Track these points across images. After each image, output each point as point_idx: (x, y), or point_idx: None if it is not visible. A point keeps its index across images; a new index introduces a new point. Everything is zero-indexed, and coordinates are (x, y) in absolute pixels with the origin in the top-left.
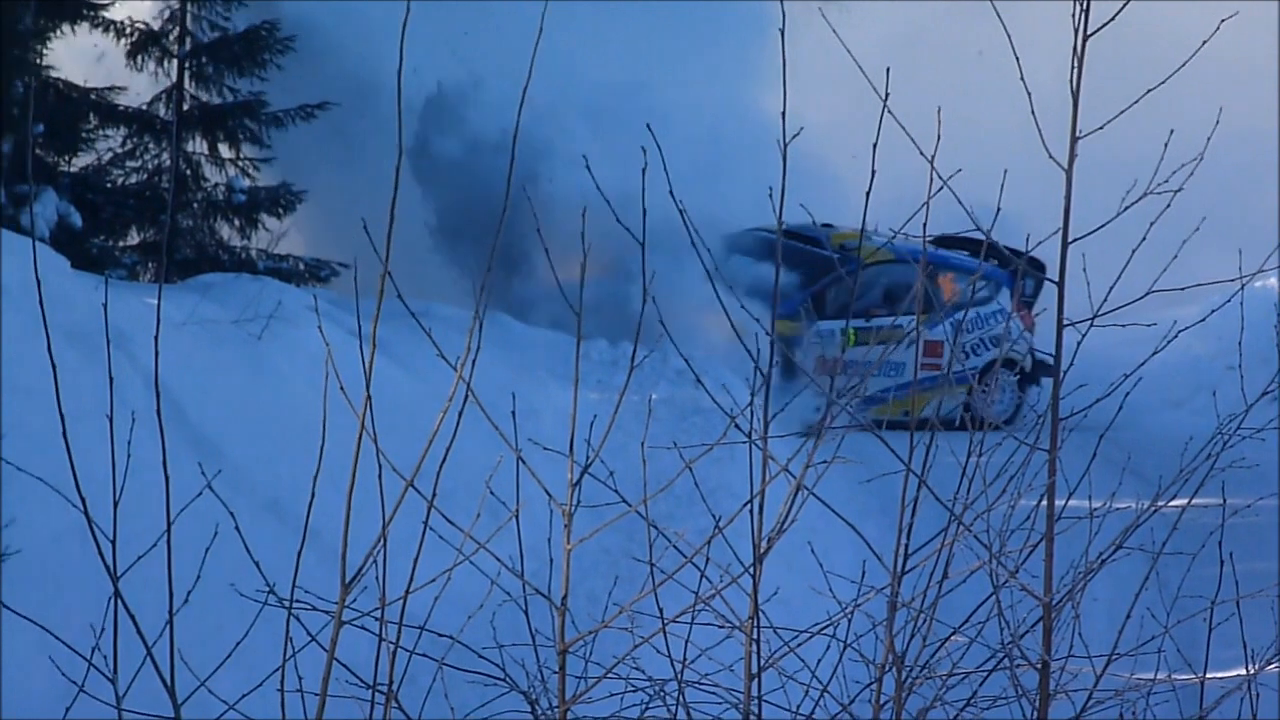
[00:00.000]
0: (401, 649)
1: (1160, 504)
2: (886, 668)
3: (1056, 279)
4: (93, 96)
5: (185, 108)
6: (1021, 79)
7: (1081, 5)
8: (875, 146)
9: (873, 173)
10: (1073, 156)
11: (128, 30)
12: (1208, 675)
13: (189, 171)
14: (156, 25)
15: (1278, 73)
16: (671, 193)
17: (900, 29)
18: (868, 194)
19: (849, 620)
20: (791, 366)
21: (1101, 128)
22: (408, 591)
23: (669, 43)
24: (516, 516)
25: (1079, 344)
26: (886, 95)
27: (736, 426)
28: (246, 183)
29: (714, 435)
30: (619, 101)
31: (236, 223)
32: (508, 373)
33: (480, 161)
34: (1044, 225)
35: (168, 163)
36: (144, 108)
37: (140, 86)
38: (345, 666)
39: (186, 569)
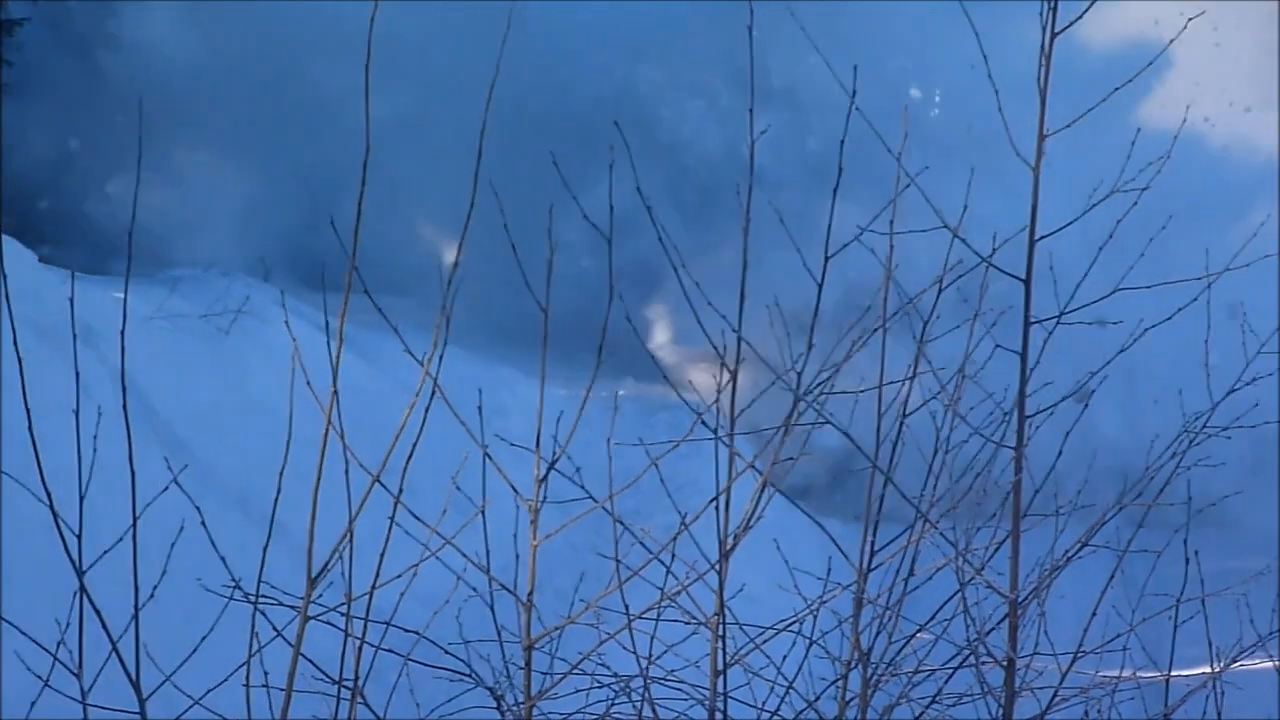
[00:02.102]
0: (367, 644)
1: (1126, 502)
2: (852, 664)
3: (1023, 277)
4: None
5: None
6: (989, 77)
7: (1049, 4)
8: (842, 144)
9: (839, 170)
10: (1040, 155)
11: None
12: (1173, 673)
13: None
14: None
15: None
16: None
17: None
18: (835, 190)
19: (815, 617)
20: None
21: (1069, 125)
22: (374, 587)
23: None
24: (483, 512)
25: (1045, 341)
26: (854, 93)
27: (703, 423)
28: None
29: (681, 432)
30: None
31: None
32: (475, 369)
33: None
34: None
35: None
36: None
37: None
38: (311, 662)
39: (153, 564)
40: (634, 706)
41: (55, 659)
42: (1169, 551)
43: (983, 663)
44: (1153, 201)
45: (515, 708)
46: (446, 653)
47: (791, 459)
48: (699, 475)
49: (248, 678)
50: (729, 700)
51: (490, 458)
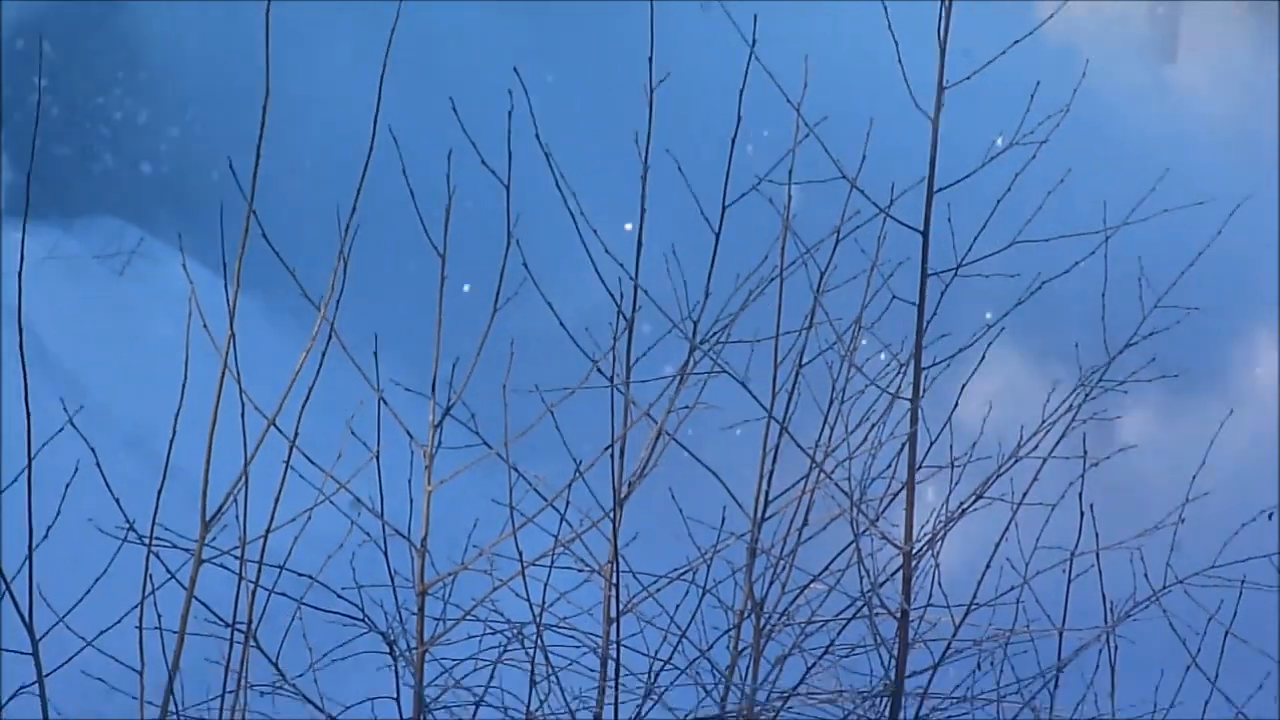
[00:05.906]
0: (261, 588)
1: (1021, 454)
2: (745, 614)
3: (921, 228)
4: None
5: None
6: (889, 28)
7: None
8: (741, 94)
9: (739, 119)
10: (939, 106)
11: None
12: (1066, 627)
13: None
14: None
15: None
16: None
17: None
18: (733, 140)
19: (708, 566)
20: None
21: (969, 77)
22: (268, 531)
23: None
24: (377, 457)
25: (942, 294)
26: (754, 42)
27: (599, 370)
28: None
29: (577, 378)
30: None
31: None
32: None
33: None
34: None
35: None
36: None
37: None
38: (204, 605)
39: (47, 505)
40: (526, 653)
41: None
42: (1064, 504)
43: (876, 614)
44: (1060, 154)
45: (408, 653)
46: (340, 597)
47: (687, 408)
48: (594, 423)
49: (141, 620)
50: (621, 648)
51: (386, 403)
